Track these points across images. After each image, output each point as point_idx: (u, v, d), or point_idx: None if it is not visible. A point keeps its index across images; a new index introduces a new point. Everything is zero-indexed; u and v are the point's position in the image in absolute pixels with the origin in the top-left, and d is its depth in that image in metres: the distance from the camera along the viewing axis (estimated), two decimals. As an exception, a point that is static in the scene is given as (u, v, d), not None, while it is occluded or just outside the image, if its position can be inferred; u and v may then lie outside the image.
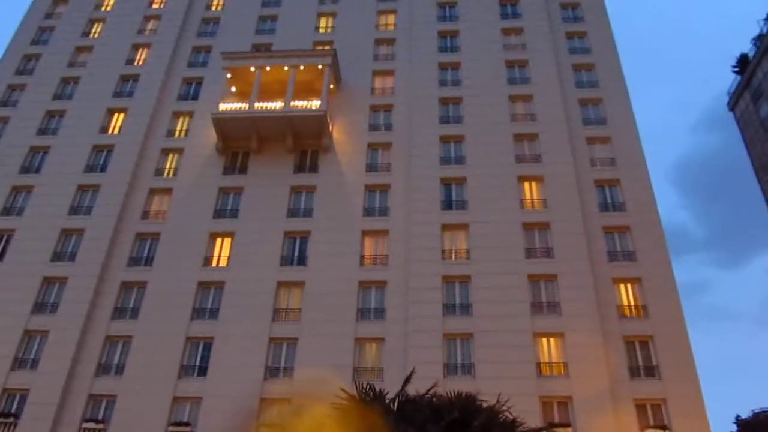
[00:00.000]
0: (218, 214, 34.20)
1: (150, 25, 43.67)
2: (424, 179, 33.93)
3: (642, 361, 27.74)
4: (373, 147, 36.28)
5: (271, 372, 28.58)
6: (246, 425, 25.55)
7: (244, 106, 35.95)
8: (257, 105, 35.80)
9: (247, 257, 31.99)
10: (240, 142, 36.26)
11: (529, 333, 28.15)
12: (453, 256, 31.22)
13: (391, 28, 41.95)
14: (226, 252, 32.71)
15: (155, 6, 44.80)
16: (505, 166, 34.15)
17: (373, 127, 37.31)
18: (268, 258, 31.85)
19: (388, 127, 37.19)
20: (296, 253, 32.34)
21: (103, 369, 29.30)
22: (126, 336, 30.06)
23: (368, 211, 33.60)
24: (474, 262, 30.68)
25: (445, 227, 32.15)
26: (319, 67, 37.39)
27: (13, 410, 27.82)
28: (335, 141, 36.58)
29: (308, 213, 33.89)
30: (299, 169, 35.75)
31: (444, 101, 37.65)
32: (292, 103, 35.83)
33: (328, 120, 36.34)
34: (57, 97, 40.04)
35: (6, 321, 29.89)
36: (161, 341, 29.34)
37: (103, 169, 36.07)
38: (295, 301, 30.52)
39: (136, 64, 41.59)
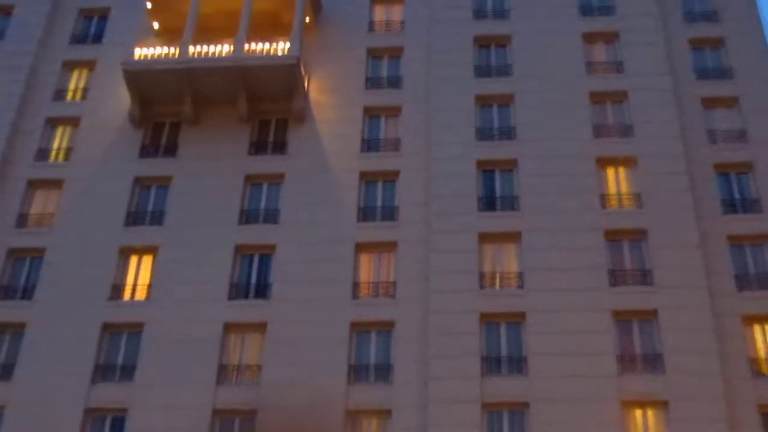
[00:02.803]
0: (133, 219, 34.26)
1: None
2: (451, 163, 33.95)
3: (797, 447, 27.68)
4: (372, 113, 36.44)
5: (217, 464, 28.72)
6: None
7: (173, 51, 35.72)
8: (193, 50, 35.62)
9: (177, 286, 32.06)
10: (166, 107, 36.23)
11: (616, 402, 27.98)
12: (497, 283, 31.48)
13: (398, -73, 41.13)
14: (145, 278, 32.91)
15: None
16: (578, 142, 34.12)
17: (373, 83, 37.39)
18: (210, 287, 31.97)
19: (396, 81, 37.26)
20: (253, 280, 32.57)
21: (-46, 461, 29.25)
22: (-7, 407, 29.95)
23: (366, 214, 33.69)
24: (530, 291, 30.68)
25: (484, 238, 32.17)
26: (289, -11, 37.50)
27: None
28: (314, 104, 36.53)
29: (272, 217, 33.94)
30: (258, 148, 35.87)
31: (482, 42, 37.75)
32: (246, 47, 35.64)
33: (303, 72, 36.11)
34: None
35: None
36: (47, 414, 29.04)
37: (-45, 152, 36.07)
38: (252, 354, 30.83)
39: (6, -11, 41.62)
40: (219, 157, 35.29)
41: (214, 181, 34.69)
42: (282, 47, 35.59)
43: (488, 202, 33.41)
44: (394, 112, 36.42)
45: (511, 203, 33.26)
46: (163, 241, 33.42)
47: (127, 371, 30.53)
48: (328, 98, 36.85)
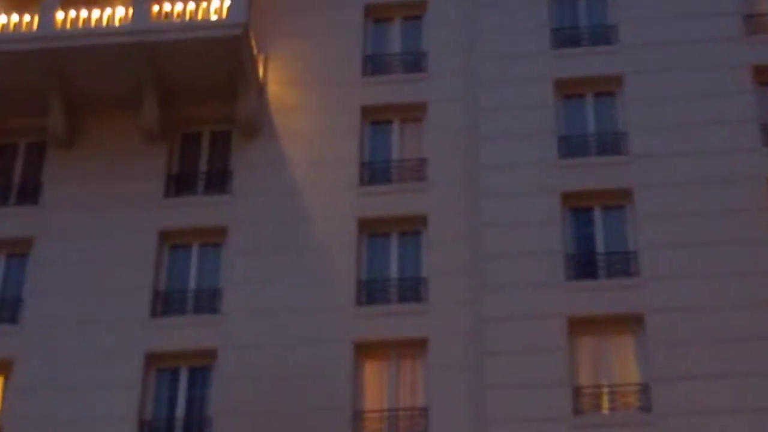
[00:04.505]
0: (-30, 309, 32.66)
1: None
2: (516, 199, 32.05)
3: None
4: (376, 118, 35.24)
5: None
6: None
7: (29, 19, 34.62)
8: (63, 17, 34.39)
9: (50, 428, 30.39)
10: (21, 116, 35.29)
11: None
12: (605, 404, 29.40)
13: None
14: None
15: None
16: (736, 155, 32.14)
17: (376, 65, 36.40)
18: (104, 427, 30.19)
19: (416, 62, 36.20)
20: (180, 412, 31.00)
21: None
22: None
23: (370, 293, 31.91)
24: (662, 418, 27.98)
25: (579, 326, 29.92)
26: None
27: None
28: (274, 106, 35.39)
29: (207, 303, 32.23)
30: (181, 185, 34.78)
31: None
32: (155, 8, 34.22)
33: (255, 51, 34.59)
34: None
35: None
36: None
37: None
38: None
39: None
40: (114, 203, 33.60)
41: (106, 245, 32.78)
42: (216, 7, 33.89)
43: (584, 265, 31.34)
44: (413, 114, 34.97)
45: (624, 265, 31.09)
46: (21, 352, 31.70)
47: None
48: (299, 95, 35.51)
